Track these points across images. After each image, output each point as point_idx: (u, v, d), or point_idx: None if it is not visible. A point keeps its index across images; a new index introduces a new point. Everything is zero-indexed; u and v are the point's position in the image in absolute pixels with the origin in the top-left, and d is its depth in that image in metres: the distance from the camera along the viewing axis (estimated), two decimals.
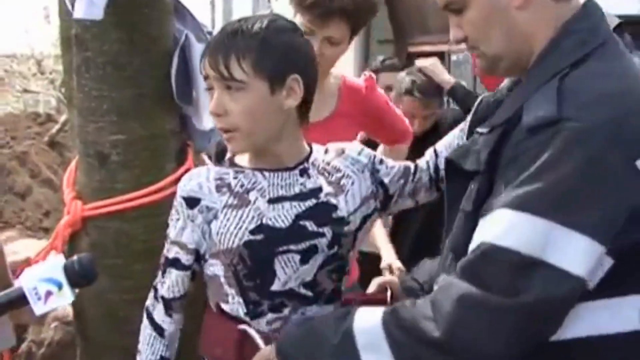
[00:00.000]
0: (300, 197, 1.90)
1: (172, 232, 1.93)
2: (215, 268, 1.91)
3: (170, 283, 1.95)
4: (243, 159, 1.95)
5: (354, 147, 2.06)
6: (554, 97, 1.52)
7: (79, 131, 2.36)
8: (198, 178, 1.91)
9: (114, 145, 2.30)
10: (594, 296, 1.52)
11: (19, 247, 2.85)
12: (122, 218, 2.33)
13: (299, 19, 2.61)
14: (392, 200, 2.07)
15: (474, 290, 1.52)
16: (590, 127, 1.46)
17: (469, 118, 1.96)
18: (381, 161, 2.06)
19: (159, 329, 1.97)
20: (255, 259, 1.85)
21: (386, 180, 2.05)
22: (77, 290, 1.76)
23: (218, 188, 1.89)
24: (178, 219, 1.91)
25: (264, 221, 1.86)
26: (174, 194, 2.31)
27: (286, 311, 1.89)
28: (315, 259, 1.88)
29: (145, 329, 2.00)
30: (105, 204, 2.33)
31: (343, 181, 1.97)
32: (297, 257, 1.86)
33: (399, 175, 2.05)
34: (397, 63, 4.59)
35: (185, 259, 1.92)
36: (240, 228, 1.86)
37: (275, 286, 1.87)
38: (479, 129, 1.70)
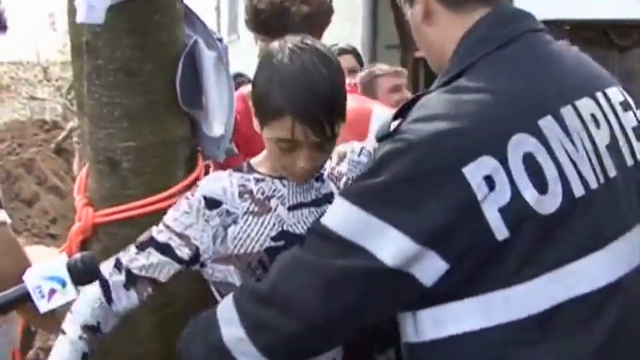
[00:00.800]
0: (317, 202, 1.96)
1: (173, 222, 1.93)
2: (226, 274, 1.92)
3: (146, 263, 1.94)
4: (261, 166, 1.97)
5: (354, 149, 2.09)
6: (398, 112, 1.67)
7: (89, 138, 2.35)
8: (222, 182, 1.93)
9: (125, 151, 2.29)
10: (441, 300, 1.64)
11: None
12: (133, 224, 2.32)
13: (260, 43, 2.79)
14: None
15: (300, 253, 1.73)
16: (417, 140, 1.58)
17: None
18: None
19: (108, 299, 1.96)
20: None
21: None
22: (79, 288, 1.77)
23: (241, 194, 1.92)
24: (188, 214, 1.91)
25: (284, 227, 1.91)
26: None
27: None
28: None
29: (93, 292, 1.96)
30: (116, 211, 2.33)
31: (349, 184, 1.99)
32: None
33: None
34: (346, 47, 4.65)
35: (182, 251, 1.92)
36: (261, 234, 1.90)
37: None
38: None
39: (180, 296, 2.37)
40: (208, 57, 2.38)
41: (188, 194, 1.96)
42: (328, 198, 1.97)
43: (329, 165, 2.03)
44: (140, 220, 2.31)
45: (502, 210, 1.55)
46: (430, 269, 1.59)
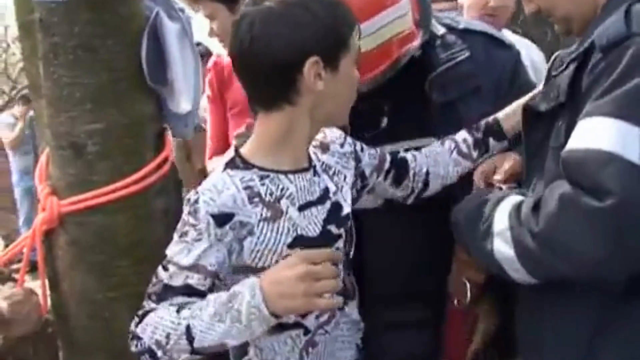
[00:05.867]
0: (321, 199, 1.85)
1: (184, 257, 1.72)
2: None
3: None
4: (255, 156, 1.81)
5: (336, 140, 1.99)
6: (621, 19, 1.63)
7: (49, 122, 2.19)
8: (228, 189, 1.74)
9: (90, 135, 2.14)
10: None
11: None
12: (103, 212, 2.18)
13: None
14: (361, 195, 2.06)
15: (571, 191, 1.59)
16: None
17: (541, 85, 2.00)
18: (362, 149, 2.02)
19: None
20: None
21: (367, 171, 2.03)
22: None
23: (250, 199, 1.75)
24: (198, 240, 1.71)
25: (298, 232, 1.78)
26: (154, 183, 2.20)
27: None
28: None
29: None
30: (84, 198, 2.17)
31: (336, 178, 1.92)
32: None
33: (372, 168, 2.05)
34: None
35: (202, 284, 1.73)
36: (277, 243, 1.76)
37: None
38: (553, 73, 1.80)
39: None
40: (171, 29, 2.23)
41: (187, 216, 1.73)
42: (327, 193, 1.87)
43: (316, 157, 1.92)
44: (110, 206, 2.18)
45: None
46: None
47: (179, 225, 1.75)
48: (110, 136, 2.16)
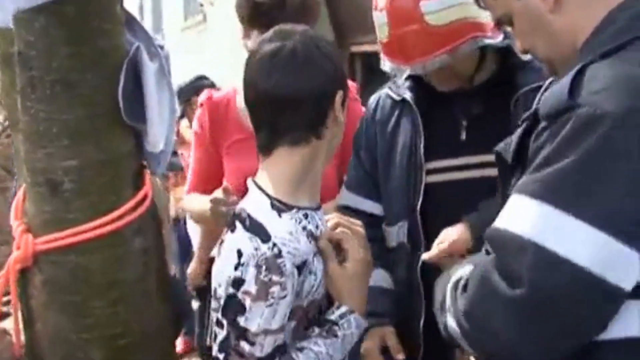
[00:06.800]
0: None
1: (270, 322, 1.66)
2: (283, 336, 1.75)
3: None
4: (291, 199, 1.79)
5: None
6: (568, 85, 1.51)
7: (25, 158, 2.13)
8: (299, 234, 1.72)
9: (66, 172, 2.08)
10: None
11: None
12: (79, 251, 2.12)
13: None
14: None
15: (490, 272, 1.56)
16: (601, 113, 1.44)
17: None
18: None
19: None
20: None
21: None
22: None
23: (308, 238, 1.74)
24: (283, 297, 1.65)
25: None
26: (132, 221, 2.14)
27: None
28: None
29: None
30: (59, 237, 2.10)
31: None
32: None
33: None
34: None
35: (283, 337, 1.70)
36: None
37: None
38: (519, 122, 1.73)
39: (135, 326, 2.18)
40: (150, 68, 2.18)
41: (266, 275, 1.66)
42: None
43: None
44: (86, 245, 2.12)
45: None
46: (631, 268, 1.45)
47: (251, 290, 1.67)
48: (87, 173, 2.10)
